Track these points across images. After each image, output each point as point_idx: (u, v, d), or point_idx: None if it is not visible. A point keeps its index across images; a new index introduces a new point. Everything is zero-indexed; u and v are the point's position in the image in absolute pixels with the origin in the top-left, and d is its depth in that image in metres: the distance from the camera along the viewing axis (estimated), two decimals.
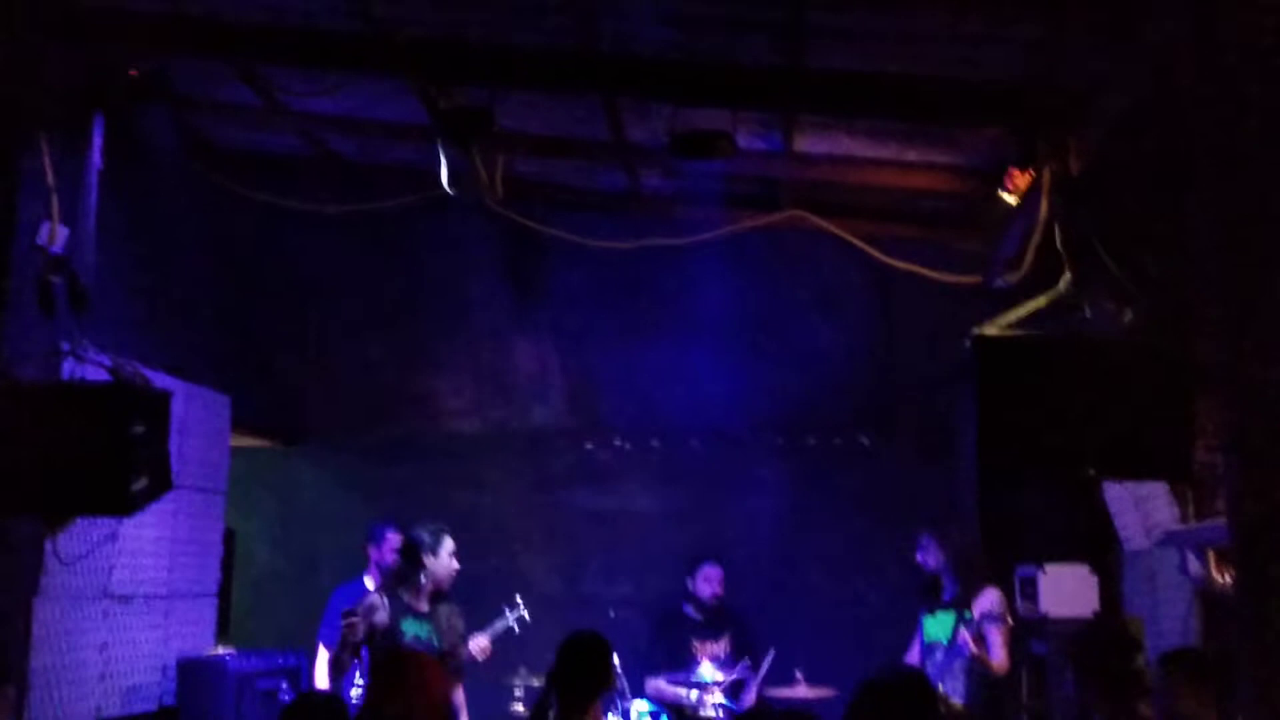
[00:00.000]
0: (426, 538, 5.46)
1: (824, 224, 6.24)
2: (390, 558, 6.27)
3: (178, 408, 5.33)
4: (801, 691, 5.87)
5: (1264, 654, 3.21)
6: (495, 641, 6.10)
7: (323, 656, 6.29)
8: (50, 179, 4.54)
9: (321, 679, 6.22)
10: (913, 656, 5.88)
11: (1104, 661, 4.00)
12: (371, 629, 5.22)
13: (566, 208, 6.80)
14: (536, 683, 6.09)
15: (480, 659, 5.99)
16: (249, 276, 7.18)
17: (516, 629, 6.21)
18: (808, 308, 6.99)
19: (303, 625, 6.93)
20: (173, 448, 4.77)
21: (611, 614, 7.61)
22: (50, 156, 4.53)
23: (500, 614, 6.22)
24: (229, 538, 6.72)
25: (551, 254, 6.93)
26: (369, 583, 6.38)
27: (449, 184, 5.56)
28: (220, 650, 6.18)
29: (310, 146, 6.52)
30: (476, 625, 6.08)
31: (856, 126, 5.29)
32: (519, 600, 6.29)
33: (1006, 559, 6.25)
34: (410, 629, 5.33)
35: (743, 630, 6.66)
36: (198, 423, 6.22)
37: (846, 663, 6.09)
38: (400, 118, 5.86)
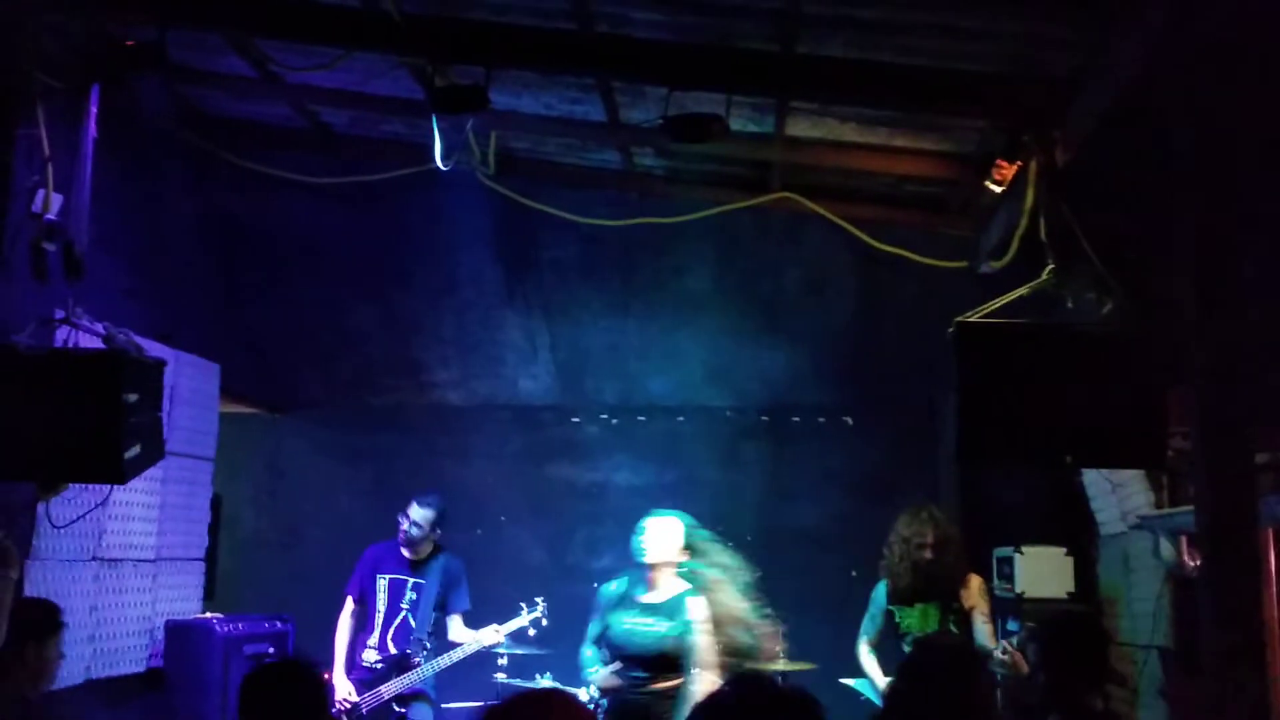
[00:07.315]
0: None
1: (813, 206, 6.30)
2: (416, 531, 6.26)
3: (168, 375, 5.36)
4: (782, 666, 5.96)
5: (1226, 631, 3.34)
6: (508, 636, 6.15)
7: (348, 608, 6.35)
8: (46, 147, 4.55)
9: (343, 632, 6.30)
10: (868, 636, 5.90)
11: (1087, 651, 4.03)
12: None
13: (559, 184, 6.83)
14: (520, 652, 6.22)
15: (489, 645, 6.11)
16: (240, 245, 7.19)
17: (532, 631, 6.16)
18: (795, 288, 7.04)
19: (288, 590, 7.01)
20: (163, 415, 4.81)
21: (595, 585, 7.71)
22: (47, 125, 4.53)
23: (518, 612, 6.21)
24: (216, 503, 6.79)
25: (542, 230, 6.95)
26: (404, 551, 6.36)
27: (441, 160, 5.59)
28: (208, 614, 6.26)
29: (303, 118, 6.53)
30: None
31: (847, 113, 5.34)
32: (539, 601, 6.23)
33: (985, 540, 6.36)
34: None
35: None
36: (187, 390, 6.27)
37: (827, 639, 6.23)
38: (394, 93, 5.87)
